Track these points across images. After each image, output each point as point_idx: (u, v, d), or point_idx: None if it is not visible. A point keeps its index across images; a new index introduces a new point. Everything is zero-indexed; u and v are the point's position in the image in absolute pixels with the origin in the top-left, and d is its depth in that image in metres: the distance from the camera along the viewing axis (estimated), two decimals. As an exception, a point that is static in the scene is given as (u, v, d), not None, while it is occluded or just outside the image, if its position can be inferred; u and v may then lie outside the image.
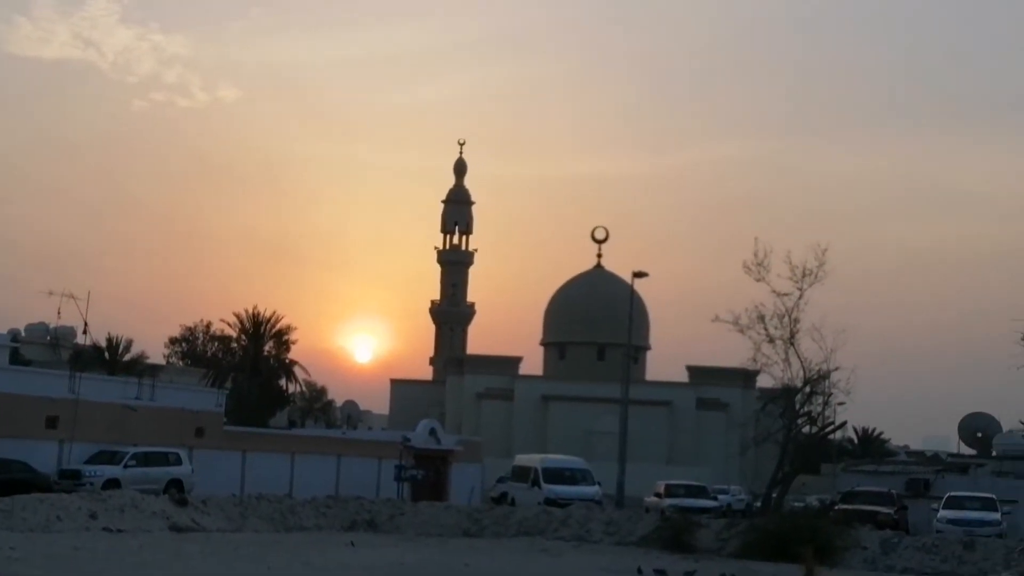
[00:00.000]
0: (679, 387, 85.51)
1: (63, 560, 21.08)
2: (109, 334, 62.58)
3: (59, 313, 58.55)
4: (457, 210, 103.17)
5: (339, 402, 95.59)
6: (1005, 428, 66.45)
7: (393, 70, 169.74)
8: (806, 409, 44.03)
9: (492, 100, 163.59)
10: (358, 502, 35.89)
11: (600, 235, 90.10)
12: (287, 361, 68.32)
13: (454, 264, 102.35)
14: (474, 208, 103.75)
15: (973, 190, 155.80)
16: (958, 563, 27.86)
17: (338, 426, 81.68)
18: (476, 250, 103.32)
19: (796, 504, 46.88)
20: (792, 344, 41.87)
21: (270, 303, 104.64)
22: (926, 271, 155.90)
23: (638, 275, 49.28)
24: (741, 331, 42.15)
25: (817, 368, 42.00)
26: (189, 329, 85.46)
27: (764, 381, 57.03)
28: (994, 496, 38.51)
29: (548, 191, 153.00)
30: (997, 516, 36.42)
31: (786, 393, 43.34)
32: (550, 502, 38.94)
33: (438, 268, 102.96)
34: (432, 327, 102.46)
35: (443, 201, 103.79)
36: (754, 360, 42.73)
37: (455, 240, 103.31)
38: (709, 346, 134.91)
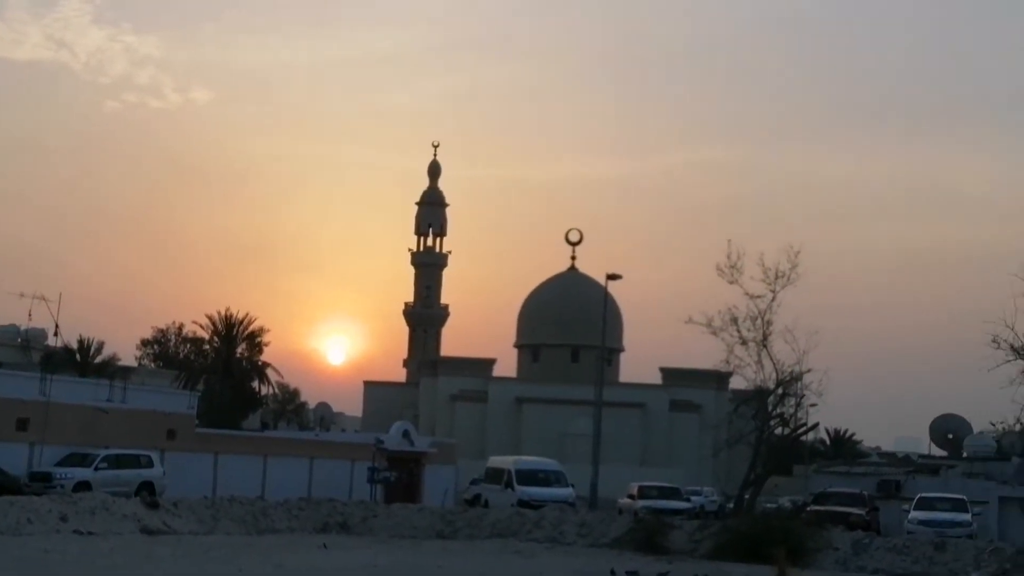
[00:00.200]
0: (652, 389, 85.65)
1: (33, 563, 20.96)
2: (80, 336, 62.32)
3: (30, 315, 58.03)
4: (431, 212, 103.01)
5: (312, 404, 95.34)
6: (976, 430, 66.96)
7: (367, 72, 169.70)
8: (778, 411, 44.20)
9: (467, 102, 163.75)
10: (331, 504, 35.81)
11: (574, 237, 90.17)
12: (260, 363, 68.10)
13: (428, 266, 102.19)
14: (448, 210, 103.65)
15: (946, 194, 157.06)
16: (929, 564, 28.03)
17: (311, 428, 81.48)
18: (450, 252, 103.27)
19: (768, 505, 47.02)
20: (765, 346, 42.04)
21: (243, 305, 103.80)
22: (898, 274, 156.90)
23: (612, 277, 49.34)
24: (714, 333, 42.32)
25: (789, 370, 42.20)
26: (161, 331, 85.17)
27: (737, 383, 57.23)
28: (965, 497, 38.77)
29: (522, 193, 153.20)
30: (968, 517, 36.66)
31: (759, 395, 43.49)
32: (523, 504, 38.95)
33: (412, 270, 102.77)
34: (406, 329, 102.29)
35: (417, 203, 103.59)
36: (727, 362, 42.87)
37: (429, 242, 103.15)
38: (682, 348, 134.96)
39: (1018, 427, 49.55)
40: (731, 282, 42.01)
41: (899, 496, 43.90)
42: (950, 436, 71.48)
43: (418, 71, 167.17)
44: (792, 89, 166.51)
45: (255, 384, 68.52)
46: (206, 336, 68.87)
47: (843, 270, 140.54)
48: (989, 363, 42.39)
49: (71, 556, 22.35)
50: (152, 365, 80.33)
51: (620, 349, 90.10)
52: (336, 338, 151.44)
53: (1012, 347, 42.57)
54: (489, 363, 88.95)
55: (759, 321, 41.91)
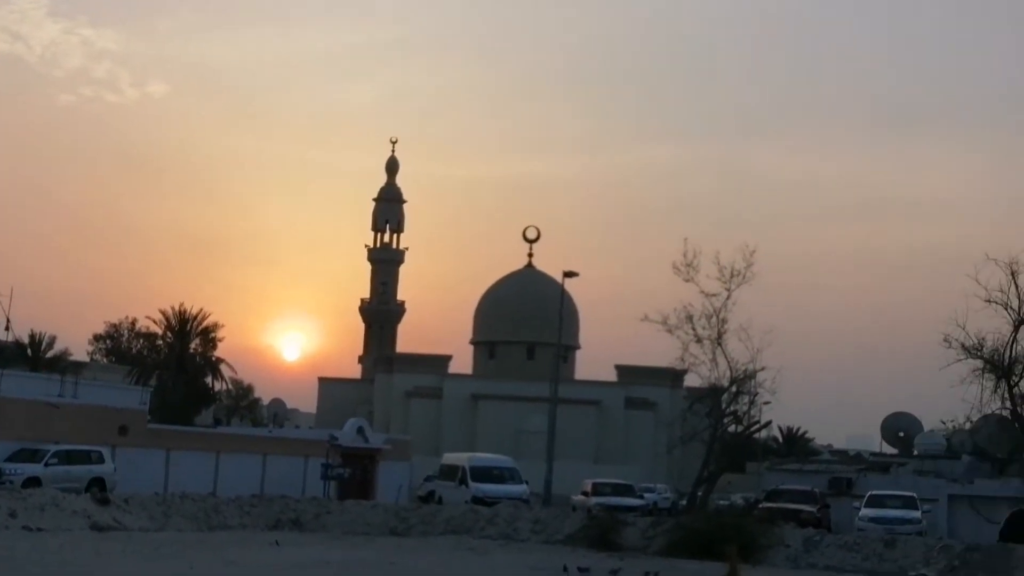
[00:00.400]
0: (608, 386, 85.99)
1: (-20, 559, 20.70)
2: (32, 331, 61.92)
3: (-20, 309, 57.49)
4: (388, 208, 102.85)
5: (266, 400, 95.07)
6: (926, 428, 67.54)
7: (325, 68, 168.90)
8: (732, 408, 44.47)
9: (425, 99, 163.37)
10: (283, 501, 35.60)
11: (531, 235, 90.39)
12: (213, 359, 67.75)
13: (384, 262, 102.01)
14: (406, 207, 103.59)
15: (900, 196, 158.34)
16: (879, 560, 28.25)
17: (264, 424, 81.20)
18: (407, 249, 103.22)
19: (721, 502, 47.30)
20: (719, 344, 42.31)
21: (197, 300, 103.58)
22: (852, 274, 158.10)
23: (568, 275, 49.46)
24: (669, 331, 42.56)
25: (743, 368, 42.52)
26: (114, 326, 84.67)
27: (692, 380, 57.61)
28: (915, 495, 39.07)
29: (480, 190, 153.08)
30: (918, 514, 36.98)
31: (713, 392, 43.75)
32: (477, 500, 38.93)
33: (368, 266, 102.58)
34: (361, 325, 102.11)
35: (374, 199, 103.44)
36: (682, 360, 43.16)
37: (386, 238, 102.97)
38: (638, 346, 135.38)
39: (968, 426, 50.03)
40: (687, 280, 42.31)
41: (850, 493, 44.16)
42: (901, 434, 72.19)
43: (376, 68, 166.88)
44: (748, 89, 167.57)
45: (208, 380, 68.19)
46: (159, 331, 68.53)
47: (798, 270, 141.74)
48: (940, 362, 43.01)
49: (20, 552, 22.07)
50: (104, 360, 79.79)
51: (576, 346, 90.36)
52: (291, 334, 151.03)
53: (963, 346, 43.17)
54: (445, 360, 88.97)
55: (714, 319, 42.23)
